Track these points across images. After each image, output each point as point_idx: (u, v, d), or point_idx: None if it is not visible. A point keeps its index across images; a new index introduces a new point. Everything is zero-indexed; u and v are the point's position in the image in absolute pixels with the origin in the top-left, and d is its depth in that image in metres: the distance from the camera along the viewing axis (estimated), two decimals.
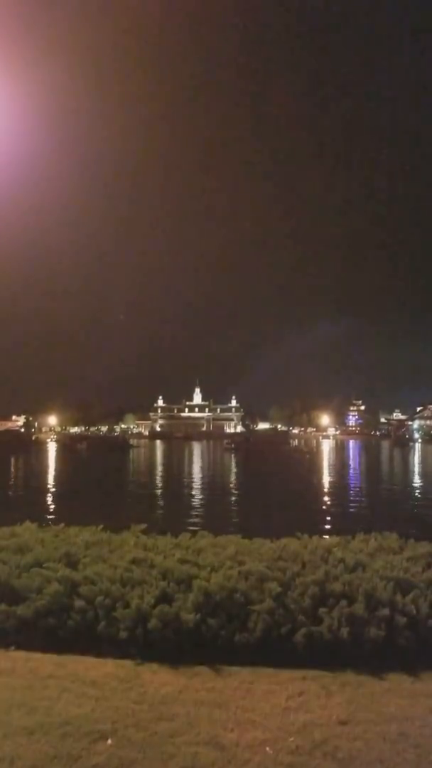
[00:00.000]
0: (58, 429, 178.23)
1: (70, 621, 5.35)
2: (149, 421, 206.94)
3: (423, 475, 45.99)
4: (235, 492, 33.51)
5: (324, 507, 24.76)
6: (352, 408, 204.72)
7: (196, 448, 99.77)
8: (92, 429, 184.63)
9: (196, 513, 22.60)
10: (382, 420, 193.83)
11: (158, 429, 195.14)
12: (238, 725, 3.93)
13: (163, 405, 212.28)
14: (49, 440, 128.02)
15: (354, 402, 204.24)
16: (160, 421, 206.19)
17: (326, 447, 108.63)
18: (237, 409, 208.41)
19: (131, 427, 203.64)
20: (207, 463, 62.97)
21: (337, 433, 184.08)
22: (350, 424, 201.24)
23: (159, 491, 33.12)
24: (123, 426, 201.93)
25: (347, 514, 22.40)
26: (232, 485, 38.21)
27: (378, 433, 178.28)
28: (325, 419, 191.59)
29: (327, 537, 6.83)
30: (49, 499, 27.15)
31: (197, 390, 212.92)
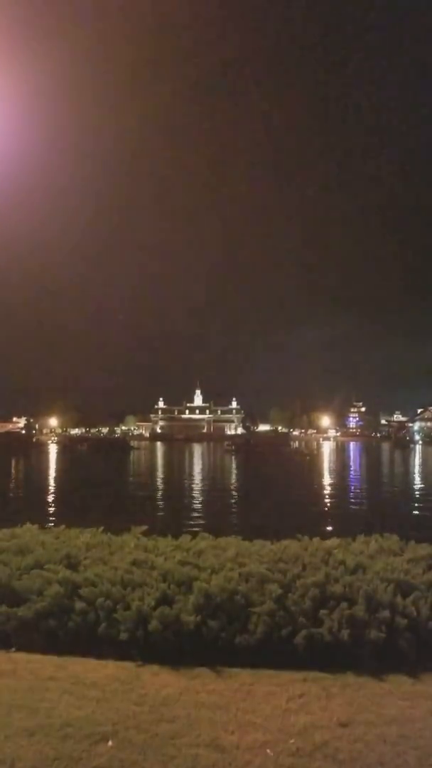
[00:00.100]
0: (59, 430, 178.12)
1: (70, 623, 5.35)
2: (150, 423, 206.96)
3: (423, 477, 45.97)
4: (236, 494, 33.49)
5: (324, 509, 24.75)
6: (352, 410, 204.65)
7: (197, 450, 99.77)
8: (93, 430, 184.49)
9: (197, 515, 22.60)
10: (383, 422, 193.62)
11: (159, 431, 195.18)
12: (239, 727, 3.94)
13: (164, 407, 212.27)
14: (49, 442, 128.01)
15: (354, 404, 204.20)
16: (161, 423, 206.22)
17: (326, 449, 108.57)
18: (237, 411, 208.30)
19: (132, 428, 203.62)
20: (207, 465, 62.95)
21: (338, 434, 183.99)
22: (351, 426, 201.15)
23: (159, 493, 33.12)
24: (123, 428, 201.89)
25: (348, 515, 22.39)
26: (232, 487, 38.20)
27: (378, 434, 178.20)
28: (325, 421, 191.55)
29: (328, 539, 6.82)
30: (50, 500, 27.16)
31: (198, 392, 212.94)
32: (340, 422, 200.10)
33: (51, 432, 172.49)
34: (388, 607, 5.16)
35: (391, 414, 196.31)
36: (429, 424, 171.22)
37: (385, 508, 24.83)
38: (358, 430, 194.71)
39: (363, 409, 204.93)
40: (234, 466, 60.21)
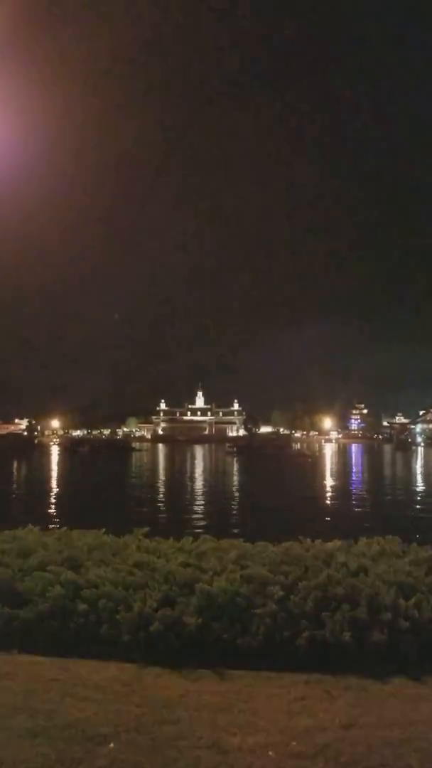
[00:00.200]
0: (61, 432, 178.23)
1: (72, 624, 5.35)
2: (152, 425, 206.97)
3: (425, 479, 45.93)
4: (238, 495, 33.48)
5: (326, 510, 24.73)
6: (354, 412, 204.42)
7: (198, 452, 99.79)
8: (95, 432, 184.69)
9: (199, 516, 22.61)
10: (385, 424, 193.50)
11: (161, 432, 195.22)
12: (241, 729, 3.93)
13: (166, 408, 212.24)
14: (51, 443, 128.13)
15: (356, 406, 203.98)
16: (163, 425, 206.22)
17: (328, 450, 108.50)
18: (239, 413, 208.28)
19: (134, 430, 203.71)
20: (209, 467, 62.95)
21: (340, 436, 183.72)
22: (352, 428, 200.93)
23: (161, 494, 33.13)
24: (125, 429, 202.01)
25: (350, 517, 22.37)
26: (234, 489, 38.19)
27: (380, 436, 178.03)
28: (327, 423, 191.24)
29: (330, 541, 6.81)
30: (52, 502, 27.17)
31: (199, 393, 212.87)
32: (342, 424, 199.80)
33: (53, 434, 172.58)
34: (390, 609, 5.15)
35: (393, 416, 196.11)
36: (431, 426, 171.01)
37: (387, 510, 24.81)
38: (360, 432, 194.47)
39: (365, 411, 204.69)
40: (235, 467, 60.20)
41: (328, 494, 32.63)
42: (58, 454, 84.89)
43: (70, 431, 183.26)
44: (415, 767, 3.52)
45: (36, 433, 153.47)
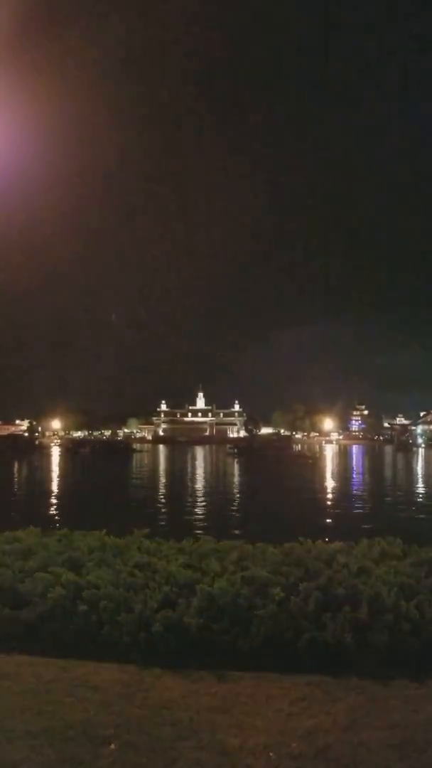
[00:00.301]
0: (62, 433, 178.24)
1: (73, 625, 5.36)
2: (152, 426, 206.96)
3: (426, 480, 45.91)
4: (238, 497, 33.48)
5: (327, 512, 24.72)
6: (355, 413, 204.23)
7: (199, 453, 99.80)
8: (95, 433, 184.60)
9: (199, 518, 22.61)
10: (386, 425, 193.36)
11: (161, 433, 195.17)
12: (242, 730, 3.93)
13: (166, 409, 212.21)
14: (52, 444, 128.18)
15: (357, 407, 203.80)
16: (163, 426, 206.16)
17: (329, 452, 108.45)
18: (240, 414, 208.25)
19: (134, 431, 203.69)
20: (210, 468, 62.97)
21: (340, 437, 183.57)
22: (353, 429, 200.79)
23: (162, 495, 33.13)
24: (126, 430, 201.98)
25: (350, 519, 22.35)
26: (235, 490, 38.19)
27: (381, 438, 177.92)
28: (328, 424, 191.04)
29: (331, 542, 6.82)
30: (53, 503, 27.17)
31: (200, 394, 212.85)
32: (343, 425, 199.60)
33: (53, 434, 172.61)
34: (391, 610, 5.15)
35: (394, 417, 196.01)
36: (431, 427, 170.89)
37: (388, 511, 24.79)
38: (361, 434, 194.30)
39: (365, 413, 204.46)
40: (236, 469, 60.20)
41: (329, 495, 32.61)
42: (59, 455, 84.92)
43: (70, 432, 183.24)
44: None
45: (37, 434, 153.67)
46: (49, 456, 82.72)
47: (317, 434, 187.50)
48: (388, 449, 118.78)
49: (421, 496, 33.31)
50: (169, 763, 3.54)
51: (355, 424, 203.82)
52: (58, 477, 47.32)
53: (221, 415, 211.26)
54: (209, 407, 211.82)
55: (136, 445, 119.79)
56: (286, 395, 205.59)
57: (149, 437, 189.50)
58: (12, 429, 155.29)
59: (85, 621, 5.35)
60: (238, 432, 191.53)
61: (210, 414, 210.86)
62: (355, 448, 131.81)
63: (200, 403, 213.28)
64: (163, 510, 25.73)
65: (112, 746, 3.70)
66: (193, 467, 62.96)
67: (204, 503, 28.51)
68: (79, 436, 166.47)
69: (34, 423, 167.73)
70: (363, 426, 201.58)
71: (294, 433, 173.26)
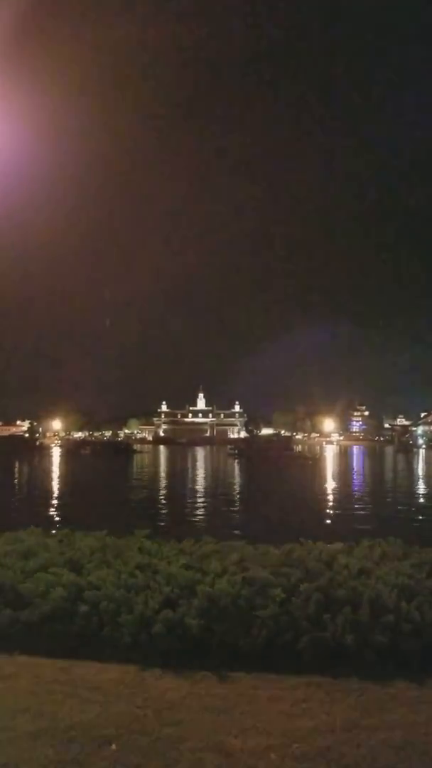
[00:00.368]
0: (62, 434, 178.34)
1: (74, 626, 5.36)
2: (153, 426, 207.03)
3: (427, 481, 45.88)
4: (239, 498, 33.47)
5: (327, 513, 24.71)
6: (355, 414, 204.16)
7: (200, 454, 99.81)
8: (96, 434, 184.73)
9: (200, 518, 22.60)
10: (386, 426, 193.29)
11: (162, 434, 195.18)
12: (243, 731, 3.94)
13: (167, 410, 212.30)
14: (53, 445, 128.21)
15: (357, 408, 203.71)
16: (164, 426, 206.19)
17: (329, 453, 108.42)
18: (240, 415, 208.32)
19: (135, 432, 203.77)
20: (210, 469, 62.96)
21: (341, 438, 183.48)
22: (354, 430, 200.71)
23: (162, 496, 33.12)
24: (127, 431, 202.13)
25: (351, 520, 22.34)
26: (235, 491, 38.17)
27: (382, 438, 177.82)
28: (328, 425, 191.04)
29: (331, 543, 6.82)
30: (54, 504, 27.17)
31: (201, 395, 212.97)
32: (343, 426, 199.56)
33: (54, 435, 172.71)
34: (392, 611, 5.16)
35: (395, 418, 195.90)
36: None
37: (389, 512, 24.78)
38: (362, 434, 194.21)
39: (366, 413, 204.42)
40: (237, 469, 60.19)
41: (329, 496, 32.59)
42: (60, 456, 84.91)
43: (71, 433, 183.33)
44: None
45: (37, 434, 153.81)
46: (49, 457, 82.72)
47: (318, 435, 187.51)
48: (389, 450, 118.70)
49: (421, 497, 33.29)
50: (171, 764, 3.54)
51: (356, 425, 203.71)
52: (58, 478, 47.32)
53: (222, 415, 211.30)
54: (210, 408, 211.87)
55: (137, 446, 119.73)
56: (287, 396, 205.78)
57: (150, 438, 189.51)
58: (13, 430, 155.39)
59: (86, 622, 5.36)
60: (238, 433, 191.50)
61: (210, 415, 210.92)
62: (355, 449, 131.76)
63: (201, 403, 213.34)
64: (163, 511, 25.72)
65: (113, 747, 3.71)
66: (194, 468, 62.95)
67: (204, 504, 28.50)
68: (79, 437, 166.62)
69: (35, 424, 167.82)
70: (363, 427, 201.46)
71: (294, 434, 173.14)
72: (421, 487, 40.08)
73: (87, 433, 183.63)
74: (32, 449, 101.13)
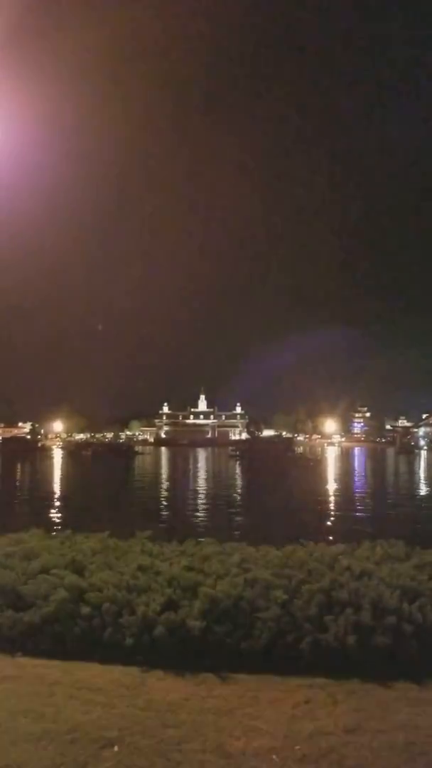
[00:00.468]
0: (64, 436, 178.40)
1: (76, 628, 5.36)
2: (154, 428, 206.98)
3: (429, 483, 45.84)
4: (240, 499, 33.46)
5: (329, 514, 24.69)
6: (357, 415, 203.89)
7: (201, 455, 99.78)
8: (98, 436, 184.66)
9: (202, 520, 22.59)
10: (388, 427, 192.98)
11: (163, 436, 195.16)
12: (245, 733, 3.93)
13: (168, 412, 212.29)
14: (54, 447, 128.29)
15: (359, 409, 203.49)
16: (165, 428, 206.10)
17: (331, 454, 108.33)
18: (241, 416, 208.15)
19: (136, 433, 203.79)
20: (212, 470, 62.95)
21: (342, 440, 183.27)
22: (355, 432, 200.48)
23: (164, 498, 33.12)
24: (128, 433, 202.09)
25: (353, 521, 22.32)
26: (237, 492, 38.16)
27: (383, 440, 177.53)
28: (329, 426, 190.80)
29: (333, 544, 6.81)
30: (55, 505, 27.17)
31: (202, 397, 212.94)
32: (345, 428, 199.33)
33: (56, 437, 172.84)
34: (394, 613, 5.15)
35: (396, 419, 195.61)
36: None
37: (390, 513, 24.75)
38: (363, 436, 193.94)
39: (368, 415, 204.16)
40: (238, 471, 60.17)
41: (331, 498, 32.57)
42: (62, 458, 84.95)
43: (73, 435, 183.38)
44: None
45: (39, 436, 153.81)
46: (51, 458, 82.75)
47: (319, 436, 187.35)
48: (390, 452, 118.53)
49: (422, 498, 33.26)
50: (173, 766, 3.54)
51: (358, 427, 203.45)
52: (60, 479, 47.33)
53: (223, 417, 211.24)
54: (211, 410, 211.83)
55: (138, 448, 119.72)
56: (288, 397, 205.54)
57: (151, 440, 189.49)
58: (14, 432, 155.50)
59: (87, 623, 5.35)
60: (239, 434, 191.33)
61: (212, 416, 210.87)
62: (357, 451, 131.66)
63: (202, 405, 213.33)
64: (165, 512, 25.72)
65: (116, 748, 3.71)
66: (195, 469, 62.94)
67: (206, 505, 28.49)
68: (81, 439, 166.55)
69: (37, 426, 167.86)
70: (365, 428, 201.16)
71: (296, 435, 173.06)
72: (423, 489, 40.04)
73: (88, 435, 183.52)
74: (34, 451, 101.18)
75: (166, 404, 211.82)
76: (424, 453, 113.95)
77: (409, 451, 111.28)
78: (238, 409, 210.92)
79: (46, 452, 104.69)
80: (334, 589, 5.41)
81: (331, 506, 28.28)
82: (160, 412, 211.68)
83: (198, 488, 39.03)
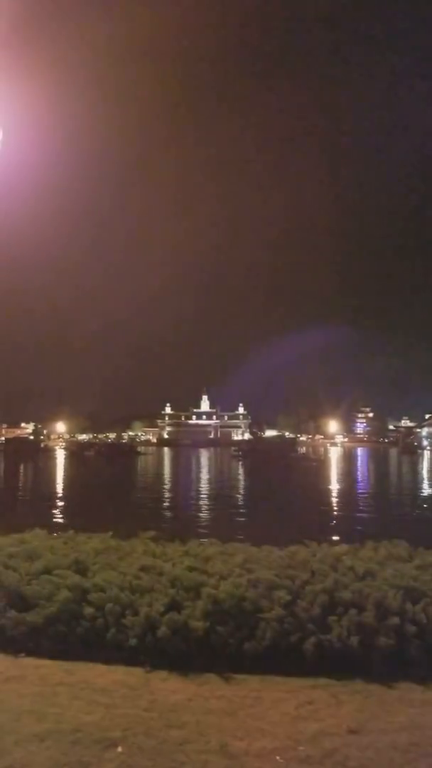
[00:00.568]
0: (67, 436, 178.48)
1: (79, 628, 5.36)
2: (157, 429, 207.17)
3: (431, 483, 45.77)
4: (243, 499, 33.44)
5: (332, 515, 24.66)
6: (359, 415, 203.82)
7: (204, 455, 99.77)
8: (100, 436, 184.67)
9: (205, 520, 22.59)
10: (391, 427, 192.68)
11: (166, 436, 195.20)
12: (248, 733, 3.93)
13: (171, 412, 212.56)
14: (57, 447, 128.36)
15: (362, 409, 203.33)
16: (168, 429, 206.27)
17: (333, 454, 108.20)
18: (244, 416, 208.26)
19: (139, 434, 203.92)
20: (214, 470, 62.94)
21: (345, 440, 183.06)
22: (358, 432, 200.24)
23: (167, 498, 33.12)
24: (131, 433, 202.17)
25: (356, 521, 22.29)
26: (239, 493, 38.14)
27: (386, 440, 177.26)
28: (332, 426, 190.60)
29: (336, 545, 6.81)
30: (58, 506, 27.19)
31: (204, 397, 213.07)
32: (348, 428, 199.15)
33: (59, 437, 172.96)
34: (397, 613, 5.15)
35: (399, 420, 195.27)
36: None
37: (394, 514, 24.71)
38: (366, 436, 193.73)
39: (370, 415, 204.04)
40: (241, 471, 60.15)
41: (334, 498, 32.54)
42: (64, 458, 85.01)
43: (75, 435, 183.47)
44: None
45: (42, 437, 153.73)
46: (54, 459, 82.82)
47: (322, 437, 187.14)
48: (393, 452, 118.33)
49: (426, 498, 33.20)
50: (176, 767, 3.54)
51: (360, 427, 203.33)
52: (63, 479, 47.38)
53: (225, 417, 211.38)
54: (213, 410, 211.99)
55: (141, 448, 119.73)
56: (291, 398, 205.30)
57: (154, 440, 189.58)
58: (17, 432, 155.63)
59: (91, 624, 5.36)
60: (242, 435, 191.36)
61: (214, 417, 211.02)
62: (359, 451, 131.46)
63: (204, 406, 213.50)
64: (167, 512, 25.72)
65: (119, 749, 3.71)
66: (198, 470, 62.95)
67: (209, 506, 28.48)
68: (84, 439, 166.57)
69: (39, 426, 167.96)
70: (368, 428, 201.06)
71: (298, 435, 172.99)
72: (426, 489, 39.96)
73: (91, 436, 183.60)
74: (37, 451, 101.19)
75: (168, 405, 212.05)
76: (427, 453, 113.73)
77: (412, 452, 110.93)
78: (241, 410, 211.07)
79: (48, 453, 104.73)
80: (338, 589, 5.41)
81: (334, 507, 28.24)
82: (163, 412, 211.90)
83: (201, 488, 39.01)
